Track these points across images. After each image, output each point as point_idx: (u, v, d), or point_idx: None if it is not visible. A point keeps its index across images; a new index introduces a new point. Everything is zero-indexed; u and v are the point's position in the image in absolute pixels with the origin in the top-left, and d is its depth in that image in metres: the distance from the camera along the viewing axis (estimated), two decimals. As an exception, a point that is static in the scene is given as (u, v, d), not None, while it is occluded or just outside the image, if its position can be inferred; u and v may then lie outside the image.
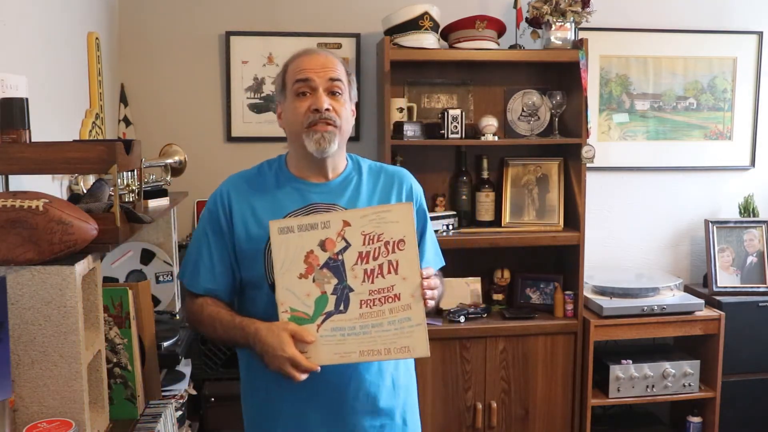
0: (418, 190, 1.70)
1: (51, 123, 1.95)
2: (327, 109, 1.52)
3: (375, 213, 1.44)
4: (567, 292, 2.99)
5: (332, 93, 1.55)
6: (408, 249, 1.42)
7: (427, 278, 1.44)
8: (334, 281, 1.43)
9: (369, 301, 1.42)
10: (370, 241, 1.43)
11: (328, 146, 1.53)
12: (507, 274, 3.08)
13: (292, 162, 1.63)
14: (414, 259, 1.42)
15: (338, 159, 1.62)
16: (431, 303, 1.46)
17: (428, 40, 2.81)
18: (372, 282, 1.42)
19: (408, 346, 1.42)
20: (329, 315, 1.43)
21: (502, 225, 3.01)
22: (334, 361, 1.44)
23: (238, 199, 1.59)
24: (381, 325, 1.42)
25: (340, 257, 1.43)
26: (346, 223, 1.43)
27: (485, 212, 3.01)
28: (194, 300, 1.60)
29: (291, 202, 1.57)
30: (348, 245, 1.43)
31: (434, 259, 1.71)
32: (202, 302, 1.58)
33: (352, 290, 1.43)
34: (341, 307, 1.43)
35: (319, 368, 1.42)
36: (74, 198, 1.87)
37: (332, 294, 1.43)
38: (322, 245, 1.44)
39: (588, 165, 2.92)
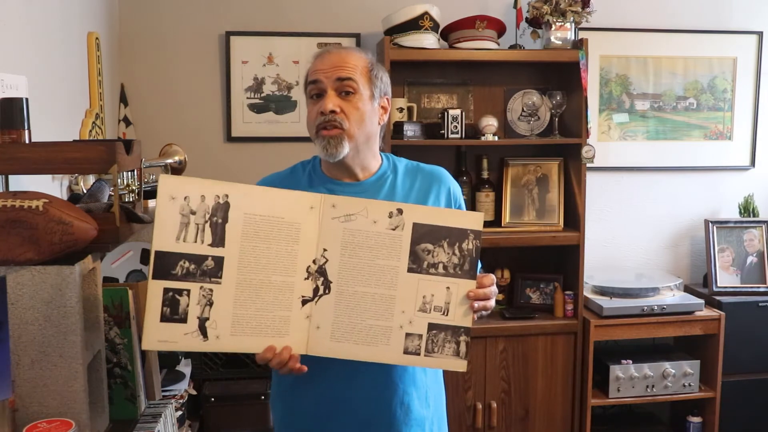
0: (457, 191, 1.65)
1: (51, 123, 1.95)
2: (333, 111, 1.48)
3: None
4: (567, 292, 2.99)
5: (345, 93, 1.50)
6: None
7: (484, 287, 1.40)
8: None
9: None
10: None
11: (335, 151, 1.49)
12: (507, 274, 3.08)
13: (324, 162, 1.61)
14: None
15: (365, 159, 1.57)
16: (484, 313, 1.44)
17: (428, 40, 2.81)
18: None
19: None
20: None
21: (502, 225, 3.01)
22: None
23: None
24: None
25: None
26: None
27: (485, 212, 3.01)
28: None
29: None
30: None
31: None
32: None
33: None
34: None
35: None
36: (74, 198, 1.87)
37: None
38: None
39: (588, 165, 2.92)
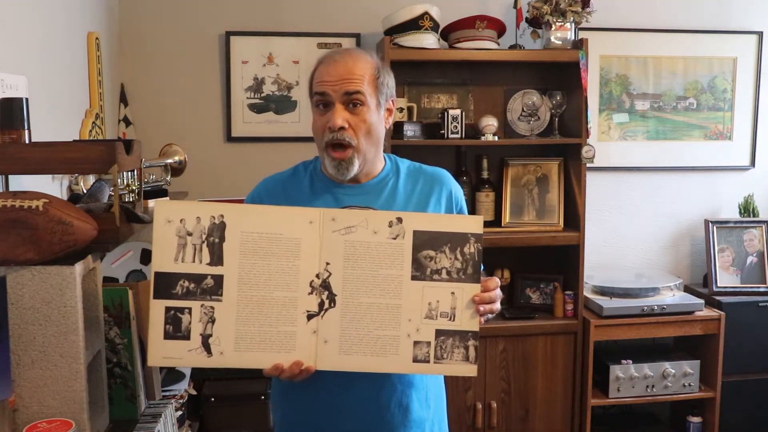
0: (458, 193, 1.64)
1: (51, 123, 1.95)
2: (342, 128, 1.47)
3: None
4: (567, 292, 2.99)
5: (352, 105, 1.48)
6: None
7: (489, 290, 1.41)
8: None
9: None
10: None
11: (346, 171, 1.50)
12: (507, 274, 3.08)
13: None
14: None
15: (371, 164, 1.56)
16: (490, 316, 1.46)
17: (428, 40, 2.81)
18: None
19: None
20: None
21: (502, 225, 3.01)
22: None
23: (270, 202, 1.56)
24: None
25: None
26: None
27: (485, 212, 3.01)
28: None
29: (324, 205, 1.53)
30: None
31: None
32: None
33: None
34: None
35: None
36: (74, 198, 1.87)
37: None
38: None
39: (588, 165, 2.92)
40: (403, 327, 1.37)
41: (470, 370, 1.39)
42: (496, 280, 1.44)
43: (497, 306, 1.44)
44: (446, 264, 1.38)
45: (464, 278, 1.38)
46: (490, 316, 1.44)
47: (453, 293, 1.38)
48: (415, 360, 1.37)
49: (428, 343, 1.38)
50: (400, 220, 1.38)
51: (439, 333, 1.38)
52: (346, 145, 1.48)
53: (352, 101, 1.48)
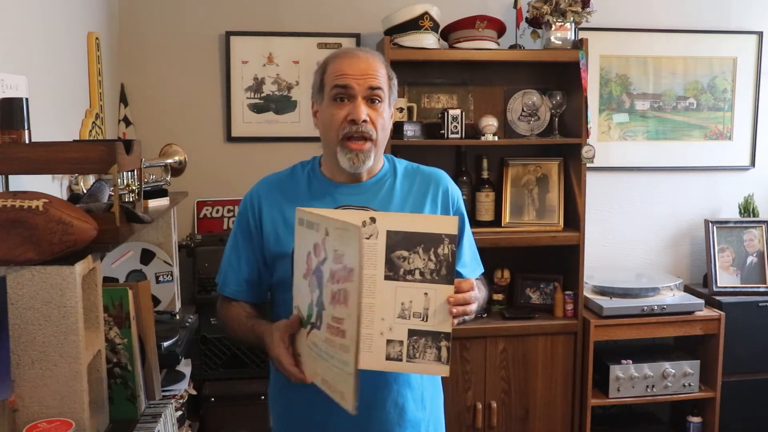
0: (455, 192, 1.64)
1: (51, 123, 1.95)
2: (364, 121, 1.47)
3: (337, 228, 1.24)
4: (567, 292, 2.99)
5: (371, 101, 1.50)
6: (355, 283, 1.19)
7: (463, 292, 1.36)
8: (317, 292, 1.31)
9: (331, 327, 1.25)
10: (337, 260, 1.24)
11: (362, 164, 1.50)
12: (507, 274, 3.08)
13: (325, 163, 1.60)
14: (356, 298, 1.20)
15: (373, 163, 1.56)
16: (467, 318, 1.40)
17: (428, 40, 2.81)
18: (334, 307, 1.25)
19: (342, 392, 1.24)
20: (312, 326, 1.32)
21: (502, 225, 3.01)
22: (313, 379, 1.33)
23: (268, 202, 1.57)
24: (333, 358, 1.25)
25: (321, 267, 1.29)
26: (326, 232, 1.28)
27: (485, 212, 3.01)
28: (222, 302, 1.62)
29: (322, 204, 1.53)
30: (326, 258, 1.28)
31: (471, 263, 1.66)
32: (228, 305, 1.60)
33: (324, 309, 1.28)
34: (318, 323, 1.30)
35: (308, 379, 1.34)
36: (74, 198, 1.87)
37: (315, 305, 1.31)
38: (315, 248, 1.31)
39: (588, 165, 2.92)
40: (376, 325, 1.36)
41: (442, 370, 1.37)
42: (470, 282, 1.41)
43: (472, 308, 1.40)
44: (419, 264, 1.36)
45: (438, 279, 1.36)
46: (467, 318, 1.40)
47: (426, 294, 1.36)
48: (388, 358, 1.37)
49: (401, 342, 1.36)
50: (373, 219, 1.37)
51: (411, 333, 1.36)
52: (367, 138, 1.49)
53: (373, 97, 1.50)
